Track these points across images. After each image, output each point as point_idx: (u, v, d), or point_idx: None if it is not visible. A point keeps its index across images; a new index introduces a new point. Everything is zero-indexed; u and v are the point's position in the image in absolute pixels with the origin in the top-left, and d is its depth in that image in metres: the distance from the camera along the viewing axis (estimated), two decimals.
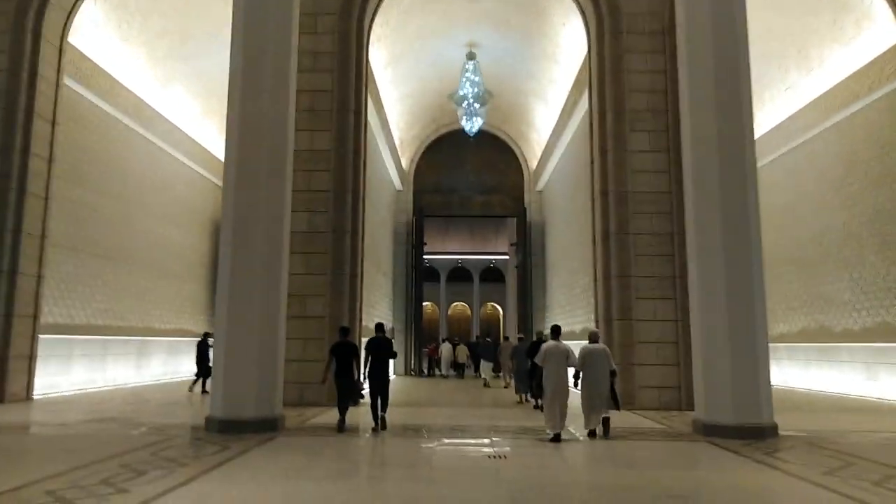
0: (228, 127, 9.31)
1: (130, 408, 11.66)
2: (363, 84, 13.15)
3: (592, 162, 13.39)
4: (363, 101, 13.18)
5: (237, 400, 8.55)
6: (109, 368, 16.69)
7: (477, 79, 18.77)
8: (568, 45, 16.41)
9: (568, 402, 8.61)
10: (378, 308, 19.84)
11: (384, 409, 9.17)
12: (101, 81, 16.11)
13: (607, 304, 12.52)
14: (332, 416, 10.15)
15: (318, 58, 12.94)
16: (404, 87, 20.02)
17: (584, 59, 14.74)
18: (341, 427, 8.94)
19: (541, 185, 24.20)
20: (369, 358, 9.29)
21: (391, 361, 9.86)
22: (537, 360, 8.82)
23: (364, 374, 9.38)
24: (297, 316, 12.39)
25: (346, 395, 9.11)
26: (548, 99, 19.98)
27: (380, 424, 8.99)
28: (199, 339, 15.63)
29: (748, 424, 8.47)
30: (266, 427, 8.60)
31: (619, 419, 10.63)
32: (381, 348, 9.30)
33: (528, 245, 24.27)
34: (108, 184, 16.78)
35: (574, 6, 14.34)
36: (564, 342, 9.06)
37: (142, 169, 18.48)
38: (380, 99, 17.72)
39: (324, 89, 12.90)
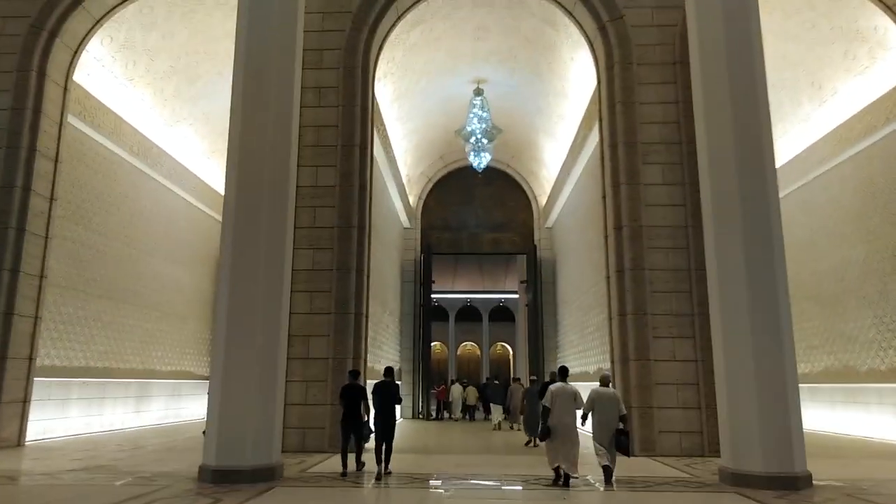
0: (228, 162, 9.04)
1: (123, 455, 11.13)
2: (369, 119, 12.95)
3: (605, 196, 13.02)
4: (369, 137, 12.96)
5: (233, 447, 8.04)
6: (108, 412, 16.18)
7: (485, 114, 18.62)
8: (576, 79, 16.25)
9: (578, 445, 8.30)
10: (384, 348, 19.32)
11: (388, 455, 8.96)
12: (107, 120, 16.05)
13: (623, 343, 11.98)
14: (334, 462, 9.69)
15: (323, 93, 12.78)
16: (411, 123, 19.91)
17: (594, 92, 14.52)
18: (344, 472, 8.69)
19: (550, 221, 23.84)
20: (376, 402, 9.22)
21: (397, 407, 9.55)
22: (544, 401, 8.64)
23: (370, 417, 9.25)
24: (299, 357, 11.95)
25: (352, 438, 8.97)
26: (557, 135, 19.79)
27: (384, 469, 8.77)
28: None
29: (780, 474, 7.84)
30: (263, 476, 8.06)
31: (639, 467, 10.04)
32: (387, 393, 9.26)
33: (539, 283, 23.77)
34: (111, 223, 16.57)
35: (583, 40, 14.23)
36: (572, 384, 8.85)
37: (146, 208, 18.30)
38: (387, 135, 17.57)
39: (329, 124, 12.70)
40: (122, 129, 16.70)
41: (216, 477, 7.90)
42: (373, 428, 9.12)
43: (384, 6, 13.08)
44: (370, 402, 9.28)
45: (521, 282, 26.92)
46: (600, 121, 13.25)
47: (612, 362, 12.51)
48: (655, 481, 8.60)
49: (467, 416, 23.72)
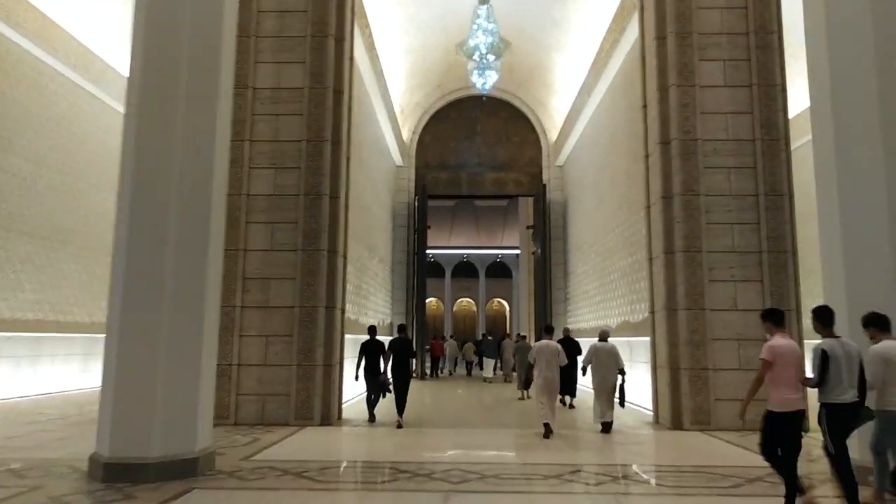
0: (134, 35, 6.25)
1: (27, 430, 8.63)
2: (348, 3, 10.08)
3: (645, 105, 10.30)
4: (348, 27, 10.13)
5: (134, 432, 5.50)
6: (44, 372, 13.68)
7: (491, 26, 15.64)
8: None
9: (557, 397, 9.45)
10: (373, 300, 16.79)
11: (402, 409, 9.55)
12: (30, 19, 13.09)
13: (670, 288, 9.43)
14: (297, 443, 7.31)
15: None
16: (405, 38, 16.91)
17: None
18: (372, 419, 9.79)
19: (562, 158, 21.03)
20: (393, 357, 9.73)
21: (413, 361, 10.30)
22: (528, 357, 9.46)
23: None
24: (256, 305, 9.38)
25: (376, 391, 9.83)
26: (574, 50, 16.84)
27: (400, 419, 9.41)
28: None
29: None
30: (179, 471, 5.54)
31: (697, 448, 7.63)
32: (403, 349, 9.84)
33: (548, 228, 21.12)
34: (42, 148, 13.76)
35: None
36: (554, 342, 9.23)
37: (89, 133, 15.47)
38: (373, 44, 14.63)
39: (295, 9, 9.84)
40: (53, 35, 13.76)
41: (109, 473, 5.40)
42: (390, 380, 9.65)
43: None
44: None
45: (528, 227, 24.25)
46: (642, 10, 10.41)
47: (653, 312, 10.00)
48: (716, 474, 6.11)
49: (467, 371, 23.95)
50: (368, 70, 14.41)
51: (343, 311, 10.14)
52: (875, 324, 5.17)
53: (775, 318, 4.99)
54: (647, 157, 10.29)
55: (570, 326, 16.44)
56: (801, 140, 13.62)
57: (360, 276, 14.44)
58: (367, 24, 13.64)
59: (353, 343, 11.45)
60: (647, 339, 10.40)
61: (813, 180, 6.51)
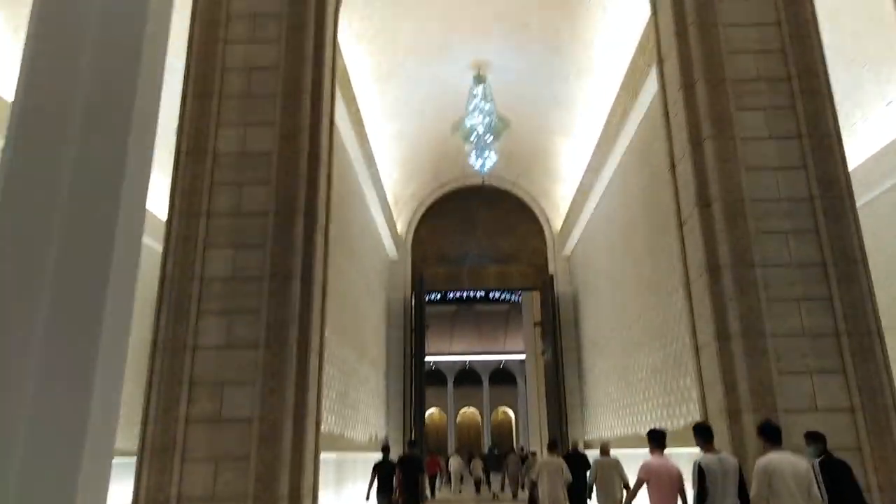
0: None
1: None
2: (327, 58, 8.85)
3: (674, 165, 8.81)
4: (326, 85, 8.82)
5: None
6: None
7: (487, 105, 14.64)
8: (609, 41, 12.28)
9: None
10: (363, 410, 14.60)
11: None
12: None
13: (729, 385, 7.46)
14: None
15: (259, 22, 8.70)
16: (396, 122, 15.85)
17: (645, 32, 10.52)
18: None
19: (569, 249, 19.52)
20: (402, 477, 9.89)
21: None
22: (531, 475, 9.60)
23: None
24: (205, 419, 7.36)
25: None
26: (578, 131, 15.75)
27: None
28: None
29: None
30: None
31: None
32: (416, 467, 10.08)
33: (558, 325, 19.21)
34: None
35: None
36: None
37: None
38: (362, 123, 13.43)
39: (265, 65, 8.55)
40: None
41: None
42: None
43: None
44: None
45: (535, 324, 22.33)
46: (660, 62, 9.18)
47: (706, 416, 7.96)
48: None
49: (476, 489, 22.95)
50: (357, 151, 13.14)
51: (318, 424, 8.09)
52: (766, 434, 5.54)
53: (656, 439, 5.98)
54: (680, 225, 8.66)
55: (590, 437, 14.28)
56: (867, 195, 11.68)
57: (346, 382, 12.42)
58: (353, 96, 12.49)
59: (335, 465, 9.31)
60: (695, 449, 8.32)
61: (881, 244, 4.81)
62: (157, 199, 15.20)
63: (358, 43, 11.98)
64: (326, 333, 8.82)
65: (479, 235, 20.62)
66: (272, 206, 8.10)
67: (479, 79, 14.85)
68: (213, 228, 8.04)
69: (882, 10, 12.07)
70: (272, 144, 8.29)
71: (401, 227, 20.40)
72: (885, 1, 11.68)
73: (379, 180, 15.84)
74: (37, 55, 3.16)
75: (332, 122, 9.12)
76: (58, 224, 2.84)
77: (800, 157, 8.05)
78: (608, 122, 13.21)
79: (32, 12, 3.16)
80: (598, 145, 14.24)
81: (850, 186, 8.03)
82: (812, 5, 8.53)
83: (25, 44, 3.05)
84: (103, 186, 3.03)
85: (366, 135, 13.86)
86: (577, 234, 18.15)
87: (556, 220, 20.22)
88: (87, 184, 3.05)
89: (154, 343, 7.61)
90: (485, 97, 14.72)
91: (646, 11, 10.18)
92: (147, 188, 3.06)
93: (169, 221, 8.05)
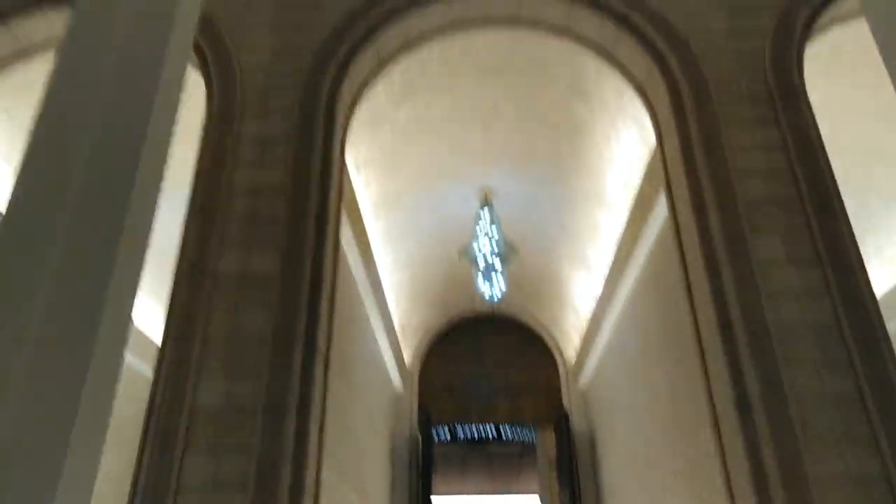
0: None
1: None
2: (333, 182, 8.87)
3: (690, 292, 8.45)
4: (332, 207, 8.76)
5: None
6: None
7: (495, 230, 14.65)
8: (617, 169, 12.45)
9: None
10: None
11: None
12: None
13: None
14: None
15: (267, 147, 8.81)
16: (403, 249, 15.81)
17: (651, 158, 10.60)
18: None
19: (583, 381, 18.68)
20: None
21: None
22: None
23: None
24: None
25: None
26: (587, 259, 15.60)
27: None
28: None
29: None
30: None
31: None
32: None
33: (575, 467, 17.92)
34: None
35: (625, 107, 10.81)
36: None
37: None
38: (369, 248, 13.34)
39: (272, 188, 8.55)
40: None
41: None
42: None
43: (359, 41, 9.62)
44: None
45: (550, 463, 20.89)
46: (668, 187, 9.13)
47: None
48: None
49: None
50: (363, 277, 12.96)
51: None
52: None
53: None
54: (702, 352, 8.14)
55: None
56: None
57: None
58: (361, 220, 12.50)
59: None
60: None
61: None
62: (154, 323, 14.92)
63: (366, 168, 12.20)
64: (324, 473, 8.08)
65: (489, 366, 19.93)
66: (269, 331, 7.73)
67: (486, 204, 15.00)
68: (207, 355, 7.61)
69: (885, 141, 12.29)
70: (274, 266, 8.07)
71: (407, 356, 19.80)
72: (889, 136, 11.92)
73: (386, 307, 15.54)
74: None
75: (336, 247, 8.96)
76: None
77: (822, 285, 7.66)
78: (619, 249, 13.06)
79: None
80: (610, 273, 14.01)
81: (881, 315, 7.59)
82: (817, 130, 8.59)
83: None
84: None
85: (373, 260, 13.76)
86: (591, 365, 17.45)
87: (569, 351, 19.59)
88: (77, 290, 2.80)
89: (134, 485, 6.92)
90: (492, 221, 14.77)
91: (651, 138, 10.35)
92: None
93: (163, 346, 7.66)
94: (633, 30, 9.66)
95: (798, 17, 9.32)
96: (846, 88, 11.64)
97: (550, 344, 20.13)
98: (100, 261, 2.64)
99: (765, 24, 9.39)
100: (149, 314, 14.88)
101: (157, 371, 7.53)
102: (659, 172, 9.81)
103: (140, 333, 15.10)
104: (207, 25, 9.80)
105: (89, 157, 2.83)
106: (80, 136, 2.94)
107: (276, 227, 8.31)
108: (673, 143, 9.00)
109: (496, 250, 14.62)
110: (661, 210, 10.10)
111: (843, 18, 10.14)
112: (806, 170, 8.29)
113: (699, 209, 8.31)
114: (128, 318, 2.87)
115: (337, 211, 9.01)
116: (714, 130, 8.62)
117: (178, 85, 3.46)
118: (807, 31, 9.37)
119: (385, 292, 15.54)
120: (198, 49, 9.71)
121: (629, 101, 10.79)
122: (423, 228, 15.60)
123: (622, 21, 9.72)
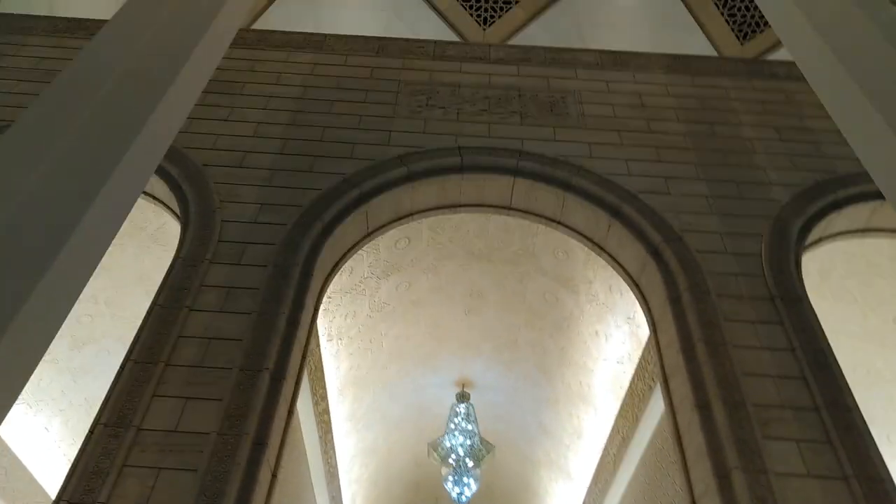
0: None
1: None
2: (299, 341, 7.96)
3: (694, 499, 7.22)
4: (293, 366, 7.75)
5: None
6: None
7: (470, 427, 13.40)
8: (605, 367, 11.70)
9: None
10: None
11: None
12: None
13: None
14: None
15: (231, 295, 8.05)
16: (368, 434, 14.30)
17: (642, 357, 9.88)
18: None
19: None
20: None
21: None
22: None
23: None
24: None
25: None
26: (569, 469, 14.12)
27: None
28: None
29: None
30: None
31: None
32: None
33: None
34: None
35: (613, 298, 10.45)
36: None
37: None
38: (329, 424, 11.88)
39: (227, 337, 7.62)
40: None
41: None
42: None
43: (349, 206, 9.39)
44: None
45: None
46: (665, 380, 8.32)
47: None
48: None
49: None
50: (318, 460, 11.39)
51: None
52: None
53: None
54: None
55: None
56: None
57: None
58: (326, 397, 11.28)
59: None
60: None
61: None
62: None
63: (338, 340, 11.33)
64: None
65: None
66: (192, 502, 6.29)
67: (463, 396, 13.92)
68: None
69: (874, 364, 11.82)
70: (211, 425, 6.85)
71: None
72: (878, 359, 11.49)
73: (340, 502, 13.59)
74: None
75: (290, 412, 7.80)
76: None
77: (850, 501, 6.58)
78: (605, 452, 11.78)
79: None
80: (594, 481, 12.52)
81: None
82: (824, 335, 8.06)
83: None
84: None
85: (332, 443, 12.27)
86: None
87: None
88: None
89: None
90: (467, 417, 13.56)
91: (643, 334, 9.78)
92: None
93: None
94: (627, 222, 9.58)
95: (792, 225, 9.32)
96: (836, 306, 11.47)
97: None
98: None
99: (759, 229, 9.34)
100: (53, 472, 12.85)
101: None
102: (652, 369, 9.09)
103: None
104: (197, 174, 9.67)
105: None
106: None
107: (223, 379, 7.25)
108: (669, 334, 8.39)
109: (470, 448, 13.24)
110: (655, 408, 9.17)
111: (833, 237, 10.27)
112: (821, 378, 7.57)
113: (703, 408, 7.40)
114: None
115: (298, 371, 8.01)
116: (714, 325, 8.06)
117: None
118: (802, 240, 9.32)
119: (342, 483, 13.73)
120: (181, 196, 9.45)
121: (619, 295, 10.44)
122: (394, 415, 14.29)
123: (615, 213, 9.69)
